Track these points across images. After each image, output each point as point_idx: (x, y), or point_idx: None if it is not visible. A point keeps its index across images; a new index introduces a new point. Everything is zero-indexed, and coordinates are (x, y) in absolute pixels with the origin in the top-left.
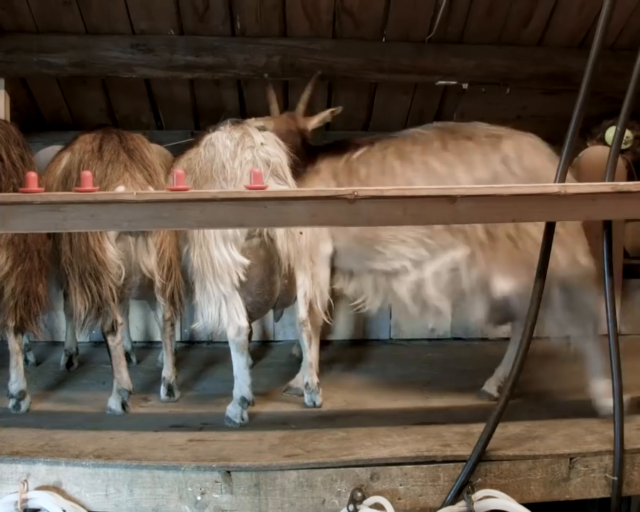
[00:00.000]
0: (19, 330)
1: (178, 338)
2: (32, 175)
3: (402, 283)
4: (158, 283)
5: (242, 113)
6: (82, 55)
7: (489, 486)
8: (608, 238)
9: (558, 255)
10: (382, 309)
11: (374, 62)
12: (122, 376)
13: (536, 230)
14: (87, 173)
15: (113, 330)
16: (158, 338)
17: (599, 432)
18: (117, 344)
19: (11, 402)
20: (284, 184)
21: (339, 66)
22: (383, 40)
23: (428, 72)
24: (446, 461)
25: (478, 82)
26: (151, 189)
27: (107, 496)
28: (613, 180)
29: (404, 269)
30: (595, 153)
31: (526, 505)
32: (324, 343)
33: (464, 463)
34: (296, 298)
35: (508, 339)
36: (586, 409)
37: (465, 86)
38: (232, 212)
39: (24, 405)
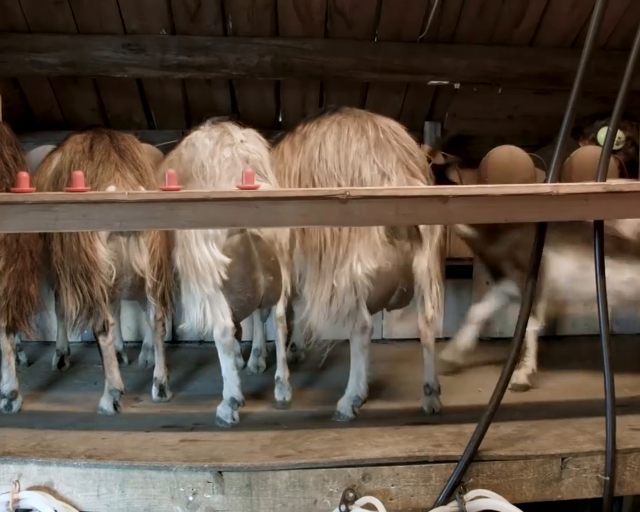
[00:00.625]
0: (11, 330)
1: (170, 338)
2: (24, 175)
3: None
4: (149, 283)
5: (234, 112)
6: (74, 54)
7: (481, 486)
8: (600, 238)
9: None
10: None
11: (366, 62)
12: (114, 376)
13: None
14: (78, 173)
15: (104, 330)
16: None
17: (591, 432)
18: (109, 344)
19: (3, 402)
20: (264, 181)
21: (331, 66)
22: (375, 40)
23: (420, 72)
24: (438, 461)
25: (470, 82)
26: (142, 189)
27: (99, 496)
28: (605, 181)
29: None
30: (587, 153)
31: (518, 505)
32: None
33: (456, 463)
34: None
35: (499, 339)
36: (578, 410)
37: (457, 86)
38: (224, 212)
39: (16, 405)
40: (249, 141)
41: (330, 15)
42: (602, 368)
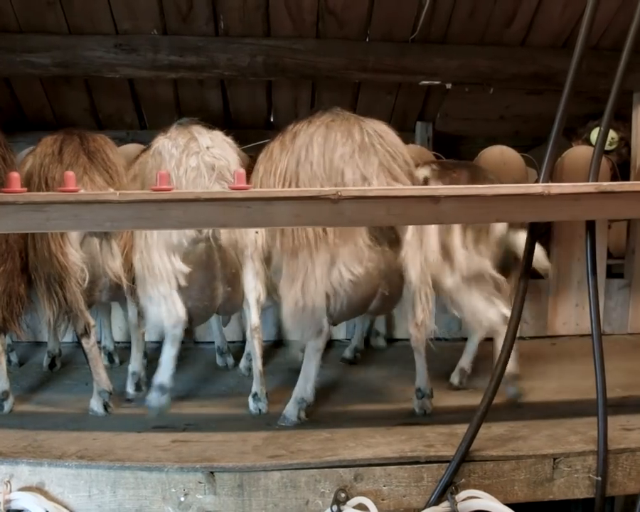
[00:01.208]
0: (1, 330)
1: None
2: (14, 175)
3: None
4: (125, 285)
5: (226, 112)
6: (66, 54)
7: (473, 487)
8: (591, 238)
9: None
10: None
11: (358, 62)
12: (101, 377)
13: None
14: (69, 174)
15: (86, 332)
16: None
17: (583, 432)
18: (92, 346)
19: None
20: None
21: (323, 66)
22: (367, 40)
23: (411, 72)
24: (429, 461)
25: (461, 82)
26: (111, 191)
27: (90, 496)
28: (597, 181)
29: None
30: (579, 153)
31: (510, 505)
32: None
33: (448, 463)
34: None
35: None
36: (570, 410)
37: (448, 86)
38: (216, 213)
39: (7, 406)
40: (215, 147)
41: (321, 15)
42: (594, 368)
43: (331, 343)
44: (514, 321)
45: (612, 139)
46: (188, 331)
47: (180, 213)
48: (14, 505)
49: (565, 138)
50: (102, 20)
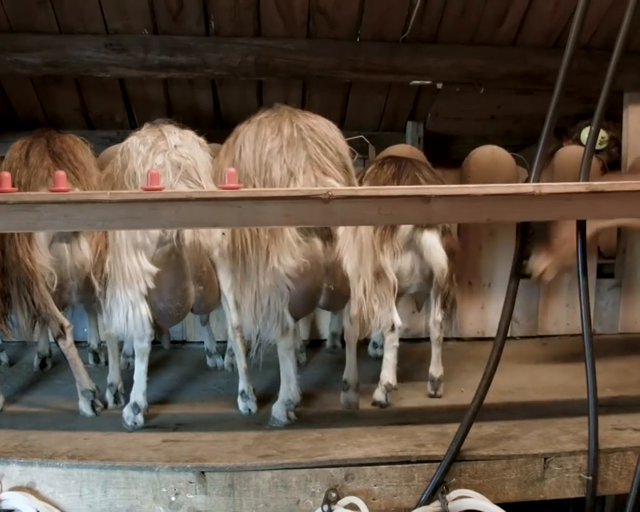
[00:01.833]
0: None
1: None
2: (5, 174)
3: None
4: (97, 287)
5: (217, 112)
6: (56, 54)
7: (464, 486)
8: (582, 238)
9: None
10: None
11: (348, 61)
12: (82, 378)
13: None
14: (60, 173)
15: (61, 334)
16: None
17: (574, 431)
18: (69, 347)
19: None
20: (196, 187)
21: (313, 66)
22: (357, 39)
23: (402, 72)
24: (420, 461)
25: (452, 82)
26: (77, 191)
27: (81, 496)
28: (587, 180)
29: None
30: (570, 152)
31: (501, 505)
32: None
33: (439, 463)
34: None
35: (483, 339)
36: (560, 410)
37: (439, 86)
38: (207, 212)
39: None
40: (184, 146)
41: (312, 15)
42: (584, 368)
43: (319, 343)
44: (504, 321)
45: (602, 138)
46: (165, 332)
47: (172, 213)
48: (5, 505)
49: (556, 137)
50: (92, 19)
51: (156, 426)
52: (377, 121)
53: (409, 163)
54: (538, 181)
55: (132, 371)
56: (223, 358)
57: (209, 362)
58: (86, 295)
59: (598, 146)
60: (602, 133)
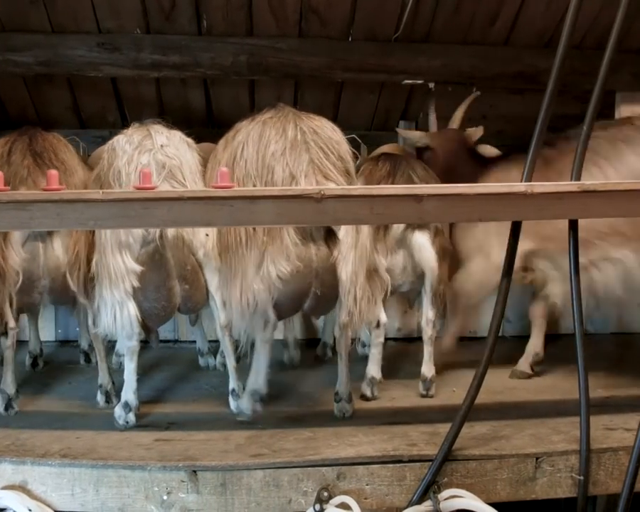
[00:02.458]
0: None
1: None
2: None
3: None
4: (74, 287)
5: (209, 111)
6: (49, 53)
7: (455, 486)
8: (574, 238)
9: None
10: None
11: (340, 61)
12: (6, 379)
13: None
14: (53, 172)
15: (4, 333)
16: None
17: (565, 431)
18: (7, 348)
19: None
20: (180, 187)
21: (306, 65)
22: (350, 39)
23: (394, 72)
24: (412, 460)
25: (444, 82)
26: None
27: (73, 495)
28: (579, 180)
29: None
30: None
31: (492, 504)
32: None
33: (431, 462)
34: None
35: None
36: (552, 409)
37: (431, 85)
38: (199, 211)
39: None
40: (170, 146)
41: (304, 14)
42: (576, 368)
43: (315, 342)
44: (496, 320)
45: None
46: (153, 331)
47: (164, 212)
48: None
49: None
50: (84, 19)
51: (148, 425)
52: (369, 120)
53: (404, 161)
54: (530, 181)
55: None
56: (215, 357)
57: (201, 361)
58: (60, 296)
59: None
60: None
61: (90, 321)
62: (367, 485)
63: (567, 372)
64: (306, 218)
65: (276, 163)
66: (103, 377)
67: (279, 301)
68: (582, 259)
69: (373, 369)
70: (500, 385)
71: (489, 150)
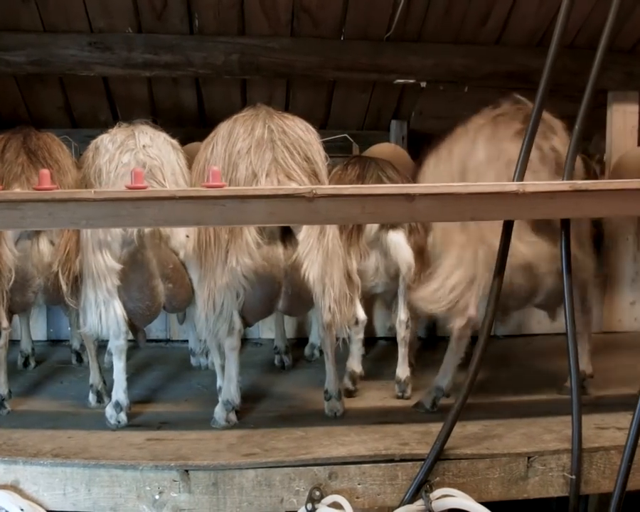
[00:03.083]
0: None
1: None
2: None
3: None
4: (64, 287)
5: (201, 111)
6: (40, 53)
7: (447, 485)
8: (566, 237)
9: None
10: None
11: (332, 60)
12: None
13: None
14: (44, 172)
15: None
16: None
17: (557, 430)
18: (0, 347)
19: None
20: (159, 188)
21: (298, 64)
22: (342, 38)
23: (386, 71)
24: (404, 459)
25: (436, 81)
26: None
27: (65, 494)
28: (571, 179)
29: None
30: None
31: (484, 503)
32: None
33: (422, 462)
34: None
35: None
36: (544, 409)
37: (423, 84)
38: (191, 211)
39: None
40: (153, 146)
41: (296, 13)
42: (568, 367)
43: (304, 342)
44: (488, 320)
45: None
46: (140, 331)
47: (156, 211)
48: None
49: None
50: (76, 18)
51: (140, 425)
52: (361, 119)
53: (374, 163)
54: (522, 180)
55: None
56: (207, 356)
57: (193, 361)
58: (53, 295)
59: None
60: None
61: (81, 321)
62: (359, 484)
63: (558, 371)
64: (298, 218)
65: (240, 160)
66: (94, 377)
67: (248, 303)
68: None
69: (354, 363)
70: (492, 384)
71: None
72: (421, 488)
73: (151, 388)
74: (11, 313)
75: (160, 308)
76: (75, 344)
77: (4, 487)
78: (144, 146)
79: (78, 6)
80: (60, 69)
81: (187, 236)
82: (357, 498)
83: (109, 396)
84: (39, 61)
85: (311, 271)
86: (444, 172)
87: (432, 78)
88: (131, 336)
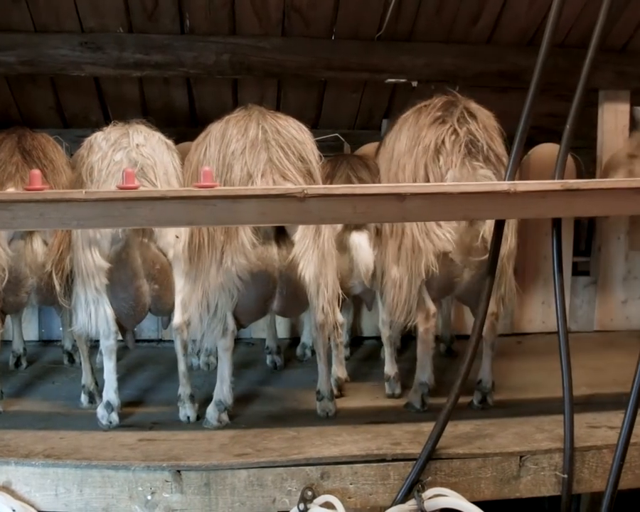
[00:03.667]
0: None
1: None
2: None
3: None
4: (58, 287)
5: (192, 111)
6: (31, 53)
7: (439, 485)
8: (557, 236)
9: None
10: None
11: (323, 60)
12: None
13: None
14: (35, 172)
15: None
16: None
17: (549, 430)
18: None
19: None
20: (150, 187)
21: (289, 64)
22: (333, 38)
23: (377, 70)
24: (396, 459)
25: (427, 80)
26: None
27: (57, 495)
28: (562, 178)
29: None
30: (545, 150)
31: (477, 503)
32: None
33: (414, 461)
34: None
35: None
36: (536, 408)
37: (414, 84)
38: (182, 211)
39: None
40: (147, 146)
41: (287, 13)
42: (560, 366)
43: (296, 342)
44: (480, 319)
45: None
46: (129, 331)
47: (147, 212)
48: None
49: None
50: (67, 18)
51: (131, 425)
52: (352, 119)
53: (345, 162)
54: (513, 179)
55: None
56: (199, 357)
57: None
58: (47, 295)
59: None
60: None
61: (73, 320)
62: (351, 484)
63: (550, 370)
64: (290, 218)
65: (235, 161)
66: (86, 378)
67: (242, 304)
68: None
69: (339, 370)
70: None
71: None
72: (413, 488)
73: (142, 388)
74: (3, 313)
75: (145, 310)
76: (67, 344)
77: None
78: (137, 144)
79: (69, 5)
80: (51, 69)
81: (177, 236)
82: (349, 498)
83: (101, 397)
84: (30, 61)
85: (307, 271)
86: (382, 160)
87: (423, 77)
88: (120, 337)
